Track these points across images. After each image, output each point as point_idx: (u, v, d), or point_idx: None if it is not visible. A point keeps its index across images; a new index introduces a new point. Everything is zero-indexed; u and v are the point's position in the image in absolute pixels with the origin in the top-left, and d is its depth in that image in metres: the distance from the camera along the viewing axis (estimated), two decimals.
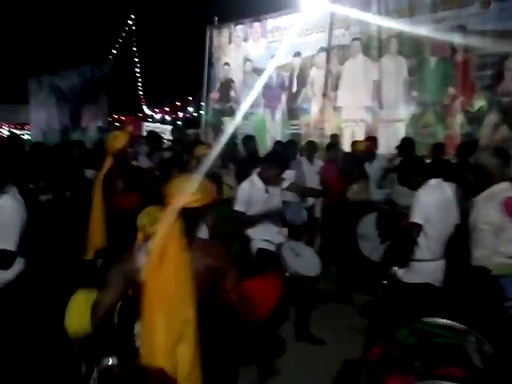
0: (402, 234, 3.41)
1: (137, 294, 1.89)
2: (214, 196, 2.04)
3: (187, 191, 1.91)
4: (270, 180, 3.95)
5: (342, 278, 5.27)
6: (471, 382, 1.71)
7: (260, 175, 3.98)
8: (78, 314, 1.96)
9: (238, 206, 3.91)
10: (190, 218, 1.92)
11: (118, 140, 4.05)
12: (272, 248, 3.91)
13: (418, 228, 3.25)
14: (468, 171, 3.22)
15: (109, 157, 4.01)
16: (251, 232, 3.95)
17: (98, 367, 2.00)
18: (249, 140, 6.60)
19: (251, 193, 3.91)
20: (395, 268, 3.47)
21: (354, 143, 6.14)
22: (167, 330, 1.80)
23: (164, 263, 1.82)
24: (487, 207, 2.72)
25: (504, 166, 2.81)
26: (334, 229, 5.46)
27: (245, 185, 3.98)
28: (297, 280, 3.70)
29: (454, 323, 2.05)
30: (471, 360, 1.87)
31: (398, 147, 6.26)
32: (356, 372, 3.36)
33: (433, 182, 3.35)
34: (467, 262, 2.82)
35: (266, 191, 3.96)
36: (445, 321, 2.09)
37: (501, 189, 2.78)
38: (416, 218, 3.25)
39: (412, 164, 3.52)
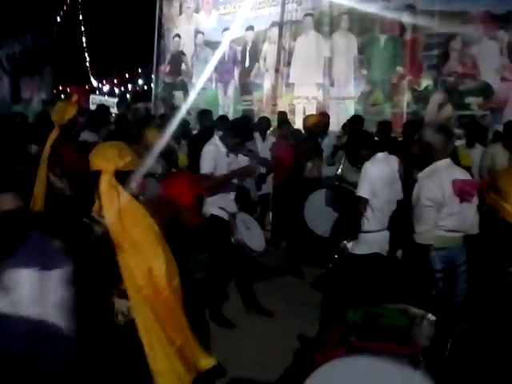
0: (350, 209, 3.51)
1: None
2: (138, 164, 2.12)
3: (120, 155, 2.00)
4: (231, 148, 3.97)
5: (292, 252, 5.38)
6: (409, 358, 1.78)
7: (222, 140, 3.98)
8: None
9: (206, 168, 3.88)
10: (122, 180, 1.98)
11: (66, 111, 3.86)
12: (225, 216, 3.95)
13: (364, 202, 3.35)
14: (413, 145, 3.33)
15: (55, 129, 3.82)
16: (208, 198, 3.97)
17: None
18: (204, 114, 6.51)
19: (215, 155, 3.91)
20: (344, 242, 3.58)
21: (307, 117, 6.17)
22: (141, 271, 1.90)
23: (121, 216, 1.90)
24: (430, 183, 2.83)
25: (447, 142, 2.91)
26: (284, 205, 5.53)
27: (209, 147, 3.96)
28: (241, 249, 3.79)
29: (410, 308, 2.13)
30: (414, 340, 1.95)
31: (346, 124, 6.37)
32: (308, 346, 3.47)
33: (380, 155, 3.45)
34: (409, 234, 2.94)
35: (227, 155, 3.98)
36: (402, 306, 2.17)
37: (442, 165, 2.89)
38: (362, 192, 3.35)
39: (359, 137, 3.61)
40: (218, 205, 3.96)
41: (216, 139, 4.01)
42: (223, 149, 3.97)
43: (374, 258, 3.43)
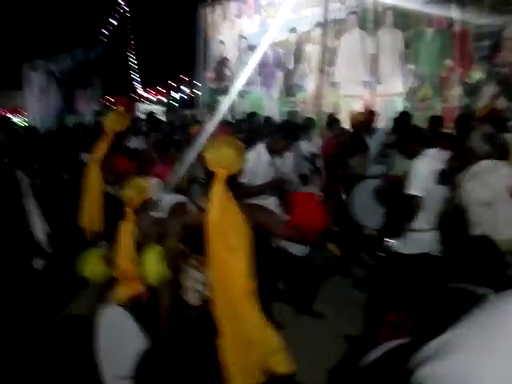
0: (401, 206, 3.41)
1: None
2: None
3: (230, 160, 2.07)
4: (277, 151, 3.93)
5: (340, 251, 5.31)
6: None
7: (267, 146, 3.95)
8: (155, 263, 2.13)
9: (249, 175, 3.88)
10: (232, 183, 2.11)
11: (118, 121, 3.96)
12: None
13: (417, 200, 3.24)
14: (465, 146, 3.20)
15: (106, 138, 3.93)
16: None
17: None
18: (252, 116, 6.56)
19: (256, 164, 3.87)
20: (391, 240, 3.48)
21: (352, 116, 6.08)
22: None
23: (223, 221, 2.00)
24: (472, 186, 2.73)
25: (491, 151, 2.81)
26: (332, 203, 5.46)
27: (251, 155, 3.91)
28: (283, 254, 3.76)
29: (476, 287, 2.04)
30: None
31: (394, 121, 6.22)
32: (356, 346, 3.41)
33: (430, 151, 3.34)
34: (463, 233, 2.83)
35: (271, 164, 3.94)
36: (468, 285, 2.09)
37: (484, 167, 2.79)
38: (414, 189, 3.23)
39: (410, 133, 3.50)
40: None
41: (261, 146, 3.98)
42: (266, 158, 3.92)
43: (422, 258, 3.31)
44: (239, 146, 2.16)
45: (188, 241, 2.09)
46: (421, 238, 3.31)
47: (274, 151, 3.94)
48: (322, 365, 3.27)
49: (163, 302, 2.10)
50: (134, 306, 2.45)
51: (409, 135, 3.46)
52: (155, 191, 2.82)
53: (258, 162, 3.89)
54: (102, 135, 4.04)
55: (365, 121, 5.77)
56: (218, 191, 2.04)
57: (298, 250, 3.88)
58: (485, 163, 2.80)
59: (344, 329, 3.74)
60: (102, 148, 3.90)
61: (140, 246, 2.52)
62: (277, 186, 4.03)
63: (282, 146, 3.92)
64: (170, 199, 3.20)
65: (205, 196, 2.13)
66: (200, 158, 2.20)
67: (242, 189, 3.79)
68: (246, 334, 1.99)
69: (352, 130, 5.90)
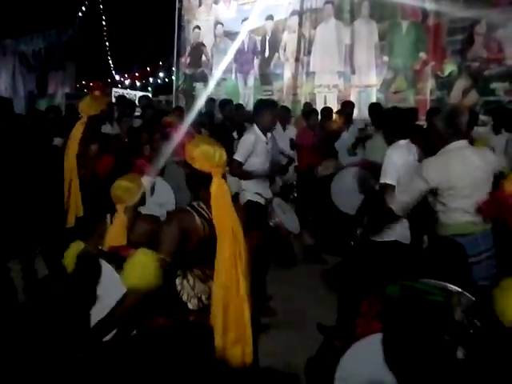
0: (375, 195, 3.46)
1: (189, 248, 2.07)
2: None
3: (217, 157, 2.10)
4: (268, 126, 4.08)
5: (315, 239, 5.41)
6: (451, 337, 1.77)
7: (260, 125, 4.04)
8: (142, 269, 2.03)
9: (238, 156, 3.97)
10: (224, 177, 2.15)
11: (95, 105, 3.90)
12: (262, 202, 4.06)
13: (391, 189, 3.29)
14: (433, 135, 3.26)
15: (81, 122, 3.86)
16: (243, 183, 4.08)
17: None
18: (226, 104, 6.53)
19: (256, 144, 3.99)
20: (361, 228, 3.55)
21: (327, 122, 6.15)
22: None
23: (224, 215, 2.06)
24: (428, 165, 2.83)
25: (452, 126, 2.88)
26: (307, 193, 5.56)
27: (250, 136, 4.03)
28: (278, 233, 3.97)
29: (447, 284, 2.11)
30: (453, 317, 1.93)
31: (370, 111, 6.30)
32: (331, 334, 3.48)
33: (402, 142, 3.39)
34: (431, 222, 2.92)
35: (267, 143, 4.09)
36: (438, 282, 2.15)
37: (455, 147, 2.87)
38: (389, 178, 3.28)
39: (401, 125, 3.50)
40: (255, 191, 4.06)
41: (255, 128, 4.06)
42: (263, 138, 4.03)
43: (394, 246, 3.39)
44: (219, 144, 2.19)
45: (192, 251, 2.09)
46: (393, 226, 3.39)
47: (264, 127, 4.05)
48: (301, 350, 3.34)
49: (126, 304, 2.01)
50: None
51: (393, 125, 3.46)
52: (144, 188, 2.79)
53: (257, 142, 4.01)
54: (76, 119, 3.98)
55: (338, 128, 5.87)
56: (220, 188, 2.08)
57: (293, 227, 4.15)
58: (454, 145, 2.87)
59: (320, 316, 3.80)
60: (76, 132, 3.83)
61: (131, 244, 2.50)
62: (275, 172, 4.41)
63: (270, 118, 4.05)
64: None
65: (199, 200, 2.14)
66: (186, 164, 2.17)
67: (232, 166, 3.90)
68: (237, 330, 2.07)
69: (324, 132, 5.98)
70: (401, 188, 2.94)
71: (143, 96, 8.85)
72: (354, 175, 4.69)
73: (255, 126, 4.10)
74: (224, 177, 2.14)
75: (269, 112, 4.07)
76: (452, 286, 2.08)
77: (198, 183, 2.15)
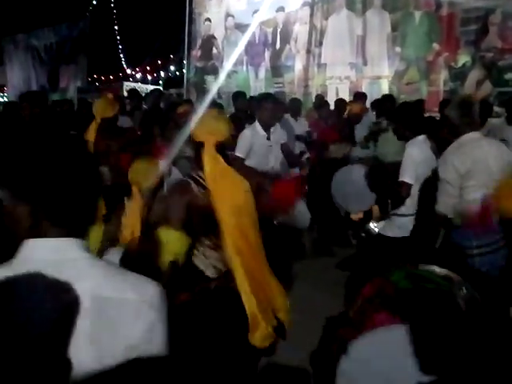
0: (391, 191, 3.43)
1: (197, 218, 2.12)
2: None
3: (217, 127, 2.15)
4: (268, 120, 4.01)
5: (323, 231, 5.39)
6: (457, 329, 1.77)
7: (260, 120, 4.01)
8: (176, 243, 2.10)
9: (239, 152, 3.95)
10: (222, 151, 2.17)
11: (109, 108, 3.95)
12: None
13: (408, 187, 3.26)
14: (445, 126, 3.22)
15: (95, 122, 3.92)
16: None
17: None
18: (239, 96, 6.51)
19: (253, 140, 3.95)
20: (372, 222, 3.54)
21: (351, 104, 6.09)
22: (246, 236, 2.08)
23: (224, 183, 2.10)
24: (452, 157, 2.79)
25: (466, 116, 2.83)
26: (317, 185, 5.52)
27: (247, 131, 4.02)
28: (283, 228, 3.84)
29: (449, 272, 2.10)
30: (459, 307, 1.92)
31: (375, 102, 6.22)
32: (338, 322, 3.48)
33: (421, 137, 3.34)
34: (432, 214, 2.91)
35: (268, 138, 4.02)
36: (441, 269, 2.13)
37: (469, 138, 2.82)
38: (408, 177, 3.24)
39: (411, 118, 3.44)
40: None
41: (255, 124, 4.05)
42: (262, 132, 3.99)
43: (403, 242, 3.37)
44: (223, 116, 2.26)
45: (197, 221, 2.11)
46: (404, 223, 3.37)
47: (264, 122, 4.01)
48: (307, 346, 3.35)
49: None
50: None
51: (410, 120, 3.42)
52: (161, 171, 2.82)
53: (255, 137, 3.97)
54: (89, 114, 4.02)
55: (361, 112, 5.80)
56: (210, 156, 2.10)
57: (302, 222, 4.00)
58: (468, 136, 2.84)
59: (328, 310, 3.80)
60: (91, 133, 3.90)
61: (149, 226, 2.53)
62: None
63: (270, 114, 3.98)
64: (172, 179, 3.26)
65: (197, 169, 2.19)
66: (188, 135, 2.25)
67: (233, 162, 3.88)
68: (264, 291, 2.11)
69: (342, 117, 5.92)
70: (442, 192, 2.88)
71: (155, 89, 8.84)
72: (356, 174, 4.63)
73: (256, 122, 4.08)
74: (220, 145, 2.15)
75: (269, 106, 4.01)
76: (454, 274, 2.07)
77: (196, 152, 2.21)
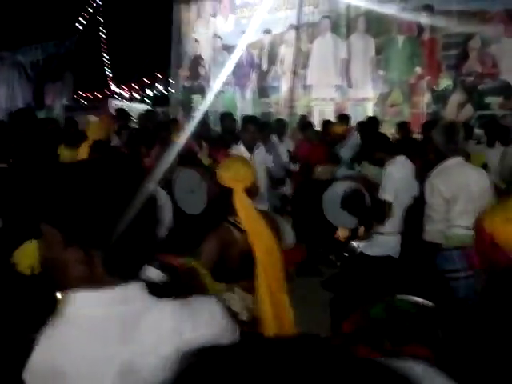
0: (372, 210, 3.51)
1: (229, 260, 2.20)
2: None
3: (245, 174, 2.25)
4: (249, 142, 4.12)
5: (310, 252, 5.42)
6: (435, 361, 1.80)
7: (243, 142, 4.10)
8: None
9: None
10: (249, 194, 2.26)
11: (103, 131, 4.01)
12: None
13: (390, 206, 3.35)
14: (429, 149, 3.33)
15: (87, 144, 3.94)
16: None
17: None
18: (226, 117, 6.57)
19: None
20: (356, 242, 3.60)
21: (333, 125, 6.21)
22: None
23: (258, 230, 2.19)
24: (438, 181, 2.86)
25: (448, 141, 2.93)
26: (303, 206, 5.57)
27: (232, 152, 4.11)
28: None
29: (423, 301, 2.13)
30: (438, 336, 1.96)
31: (360, 126, 6.35)
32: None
33: (399, 158, 3.46)
34: (419, 235, 2.96)
35: (250, 160, 4.08)
36: (416, 298, 2.17)
37: (451, 164, 2.91)
38: (388, 195, 3.34)
39: (375, 139, 3.63)
40: None
41: (240, 145, 4.12)
42: (247, 153, 4.05)
43: (386, 261, 3.43)
44: (248, 162, 2.38)
45: (236, 264, 2.19)
46: (386, 241, 3.44)
47: (247, 144, 4.10)
48: None
49: None
50: None
51: (375, 142, 3.58)
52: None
53: None
54: (76, 132, 4.05)
55: (343, 133, 5.91)
56: (242, 202, 2.20)
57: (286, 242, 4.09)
58: (452, 161, 2.92)
59: (311, 329, 3.81)
60: (83, 153, 3.92)
61: None
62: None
63: (252, 136, 4.07)
64: None
65: (234, 215, 2.26)
66: (213, 179, 2.37)
67: None
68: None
69: (327, 138, 6.02)
70: (429, 219, 2.95)
71: (149, 110, 8.76)
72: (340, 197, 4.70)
73: (241, 145, 4.19)
74: (249, 192, 2.25)
75: (251, 128, 4.14)
76: (425, 301, 2.11)
77: (224, 197, 2.27)
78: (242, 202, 2.20)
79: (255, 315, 2.19)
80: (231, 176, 2.23)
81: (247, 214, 2.20)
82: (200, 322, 0.89)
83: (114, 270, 0.83)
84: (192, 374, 0.40)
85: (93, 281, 0.83)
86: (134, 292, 0.85)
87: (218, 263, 2.14)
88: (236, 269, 2.19)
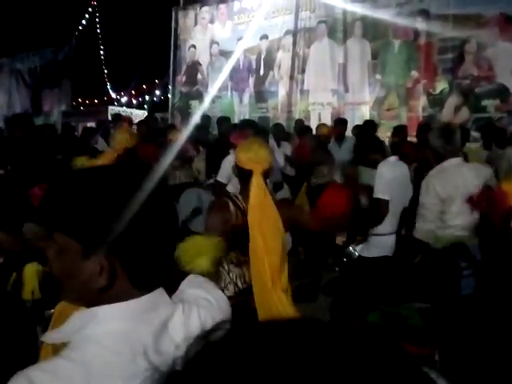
0: (369, 210, 3.53)
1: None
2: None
3: (264, 156, 2.23)
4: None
5: (310, 256, 5.43)
6: (425, 358, 1.81)
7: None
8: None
9: (220, 177, 4.03)
10: (265, 177, 2.26)
11: (131, 139, 3.86)
12: None
13: (385, 204, 3.36)
14: (425, 151, 3.36)
15: (115, 150, 3.77)
16: None
17: None
18: (223, 121, 6.59)
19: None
20: (353, 246, 3.60)
21: (318, 126, 6.26)
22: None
23: (264, 210, 2.16)
24: (435, 182, 2.88)
25: (448, 143, 2.95)
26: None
27: (230, 157, 4.02)
28: None
29: (420, 304, 2.15)
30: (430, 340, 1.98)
31: (357, 129, 6.38)
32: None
33: (391, 159, 3.49)
34: (411, 235, 2.98)
35: None
36: (417, 304, 2.19)
37: (450, 164, 2.93)
38: (381, 193, 3.36)
39: (368, 142, 3.65)
40: None
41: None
42: None
43: (384, 261, 3.44)
44: (266, 144, 2.36)
45: (228, 237, 2.15)
46: (383, 242, 3.45)
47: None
48: None
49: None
50: None
51: (369, 144, 3.60)
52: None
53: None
54: (72, 138, 4.03)
55: (329, 133, 5.93)
56: (258, 185, 2.18)
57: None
58: (451, 161, 2.94)
59: None
60: (108, 159, 3.81)
61: None
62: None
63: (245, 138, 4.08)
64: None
65: (242, 194, 2.29)
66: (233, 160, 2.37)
67: (216, 188, 3.93)
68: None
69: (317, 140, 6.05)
70: (421, 217, 2.96)
71: (151, 117, 8.77)
72: None
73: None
74: (265, 174, 2.24)
75: (248, 133, 4.03)
76: (423, 304, 2.12)
77: (241, 178, 2.30)
78: (257, 184, 2.18)
79: (241, 288, 2.20)
80: (251, 157, 2.22)
81: (256, 196, 2.17)
82: (216, 314, 0.89)
83: (139, 279, 0.79)
84: (200, 360, 0.39)
85: (115, 293, 0.77)
86: (158, 299, 0.82)
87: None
88: (226, 241, 2.16)
